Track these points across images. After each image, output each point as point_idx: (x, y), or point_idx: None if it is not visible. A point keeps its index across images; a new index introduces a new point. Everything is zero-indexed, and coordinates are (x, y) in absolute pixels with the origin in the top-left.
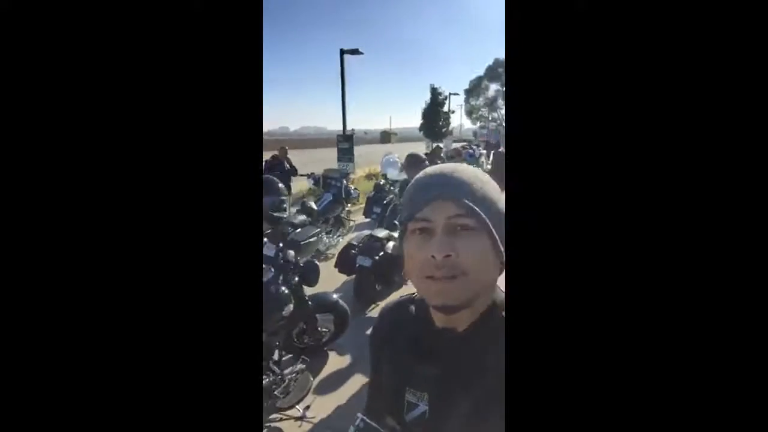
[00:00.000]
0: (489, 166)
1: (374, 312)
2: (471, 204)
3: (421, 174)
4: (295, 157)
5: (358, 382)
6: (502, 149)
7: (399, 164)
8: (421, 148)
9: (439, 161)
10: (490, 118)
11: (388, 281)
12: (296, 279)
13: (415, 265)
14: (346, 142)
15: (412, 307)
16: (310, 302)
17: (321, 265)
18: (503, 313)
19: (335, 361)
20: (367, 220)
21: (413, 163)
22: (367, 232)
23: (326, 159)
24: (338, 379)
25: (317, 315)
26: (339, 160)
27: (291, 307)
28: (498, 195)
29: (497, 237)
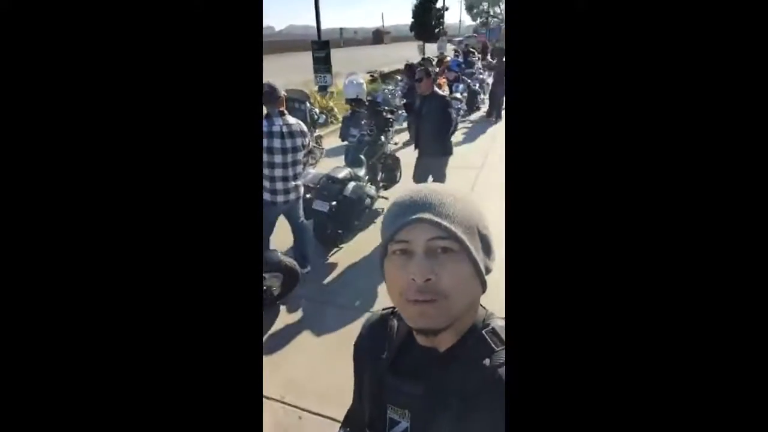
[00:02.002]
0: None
1: (335, 257)
2: (451, 226)
3: (402, 193)
4: (281, 62)
5: (304, 341)
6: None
7: (363, 86)
8: (414, 50)
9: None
10: (491, 13)
11: (348, 226)
12: None
13: (396, 286)
14: (321, 50)
15: (395, 322)
16: None
17: None
18: (484, 332)
19: (284, 318)
20: (345, 143)
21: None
22: (341, 158)
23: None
24: (283, 337)
25: (264, 275)
26: (315, 71)
27: None
28: (478, 213)
29: (477, 258)
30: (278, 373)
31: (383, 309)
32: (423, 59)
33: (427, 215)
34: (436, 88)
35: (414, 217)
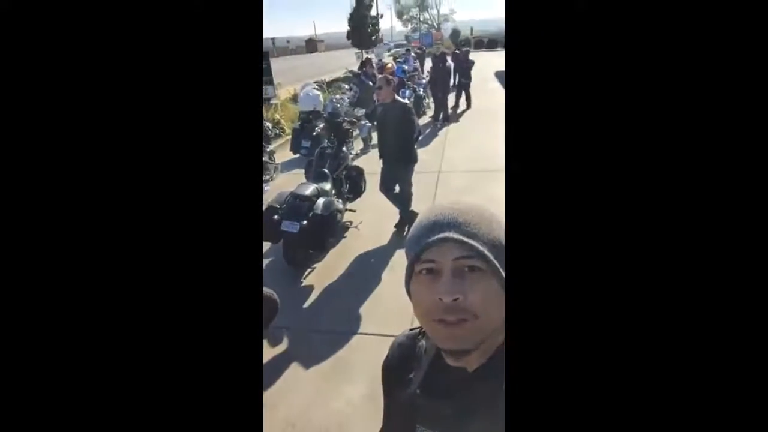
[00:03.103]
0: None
1: (310, 279)
2: (477, 245)
3: (426, 212)
4: None
5: (295, 374)
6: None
7: (320, 96)
8: (351, 57)
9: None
10: (421, 19)
11: (320, 245)
12: None
13: (423, 307)
14: (262, 61)
15: (423, 342)
16: None
17: None
18: None
19: (270, 352)
20: (296, 156)
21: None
22: (296, 172)
23: None
24: (272, 372)
25: None
26: None
27: None
28: (503, 230)
29: (505, 275)
30: (275, 413)
31: (410, 329)
32: (363, 62)
33: (452, 234)
34: (396, 96)
35: (440, 236)
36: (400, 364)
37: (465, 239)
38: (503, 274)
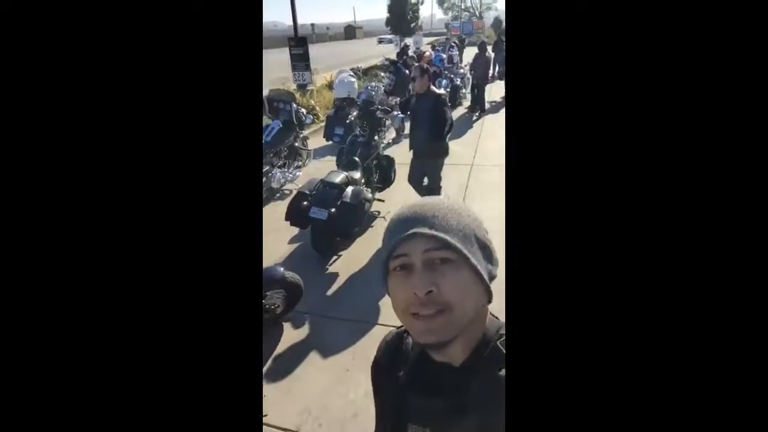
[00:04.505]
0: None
1: (335, 267)
2: (446, 236)
3: (397, 211)
4: None
5: (313, 361)
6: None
7: (355, 84)
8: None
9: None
10: (462, 7)
11: (347, 233)
12: None
13: (399, 303)
14: (299, 47)
15: (410, 340)
16: None
17: (278, 204)
18: (498, 343)
19: (290, 336)
20: (329, 143)
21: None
22: (328, 159)
23: (284, 62)
24: (291, 358)
25: (266, 293)
26: (293, 69)
27: None
28: (475, 222)
29: (478, 266)
30: (291, 399)
31: (398, 327)
32: (402, 48)
33: (421, 228)
34: (432, 86)
35: (409, 232)
36: (388, 362)
37: (433, 232)
38: (476, 263)
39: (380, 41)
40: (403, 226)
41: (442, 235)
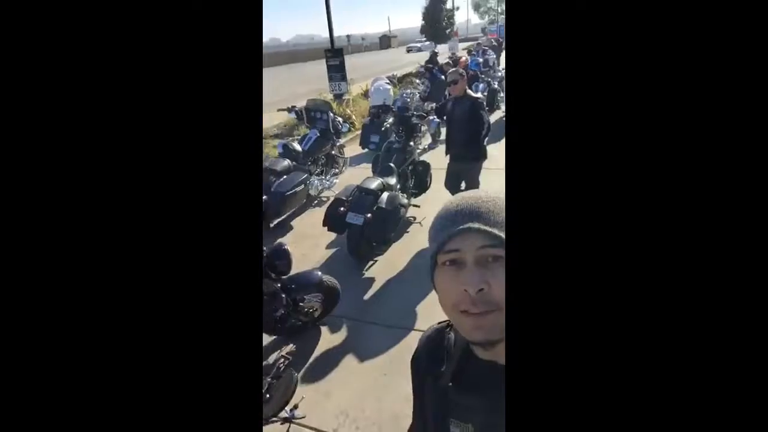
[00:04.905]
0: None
1: (371, 272)
2: (501, 234)
3: (447, 203)
4: (285, 73)
5: (350, 365)
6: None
7: (390, 91)
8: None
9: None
10: (499, 11)
11: (383, 239)
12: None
13: (448, 299)
14: (335, 58)
15: (452, 335)
16: (292, 285)
17: (315, 211)
18: None
19: (328, 339)
20: (365, 151)
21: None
22: (364, 166)
23: (322, 74)
24: (329, 361)
25: (304, 296)
26: (330, 79)
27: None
28: None
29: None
30: (329, 402)
31: (438, 323)
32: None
33: (475, 224)
34: (468, 90)
35: (463, 227)
36: (429, 358)
37: (488, 228)
38: None
39: (409, 50)
40: (455, 221)
41: (497, 232)
